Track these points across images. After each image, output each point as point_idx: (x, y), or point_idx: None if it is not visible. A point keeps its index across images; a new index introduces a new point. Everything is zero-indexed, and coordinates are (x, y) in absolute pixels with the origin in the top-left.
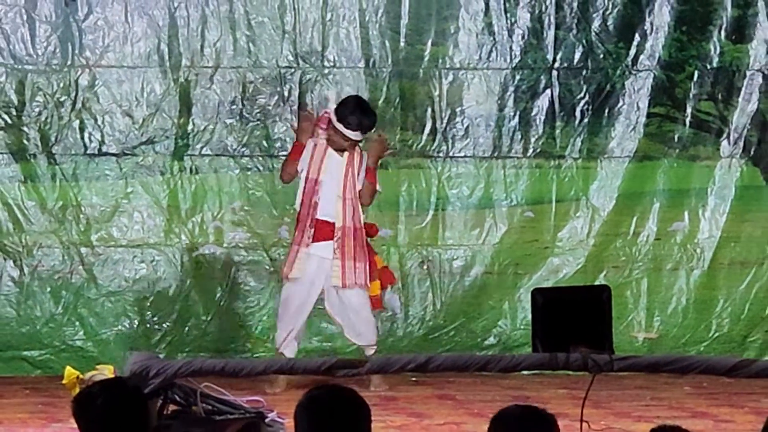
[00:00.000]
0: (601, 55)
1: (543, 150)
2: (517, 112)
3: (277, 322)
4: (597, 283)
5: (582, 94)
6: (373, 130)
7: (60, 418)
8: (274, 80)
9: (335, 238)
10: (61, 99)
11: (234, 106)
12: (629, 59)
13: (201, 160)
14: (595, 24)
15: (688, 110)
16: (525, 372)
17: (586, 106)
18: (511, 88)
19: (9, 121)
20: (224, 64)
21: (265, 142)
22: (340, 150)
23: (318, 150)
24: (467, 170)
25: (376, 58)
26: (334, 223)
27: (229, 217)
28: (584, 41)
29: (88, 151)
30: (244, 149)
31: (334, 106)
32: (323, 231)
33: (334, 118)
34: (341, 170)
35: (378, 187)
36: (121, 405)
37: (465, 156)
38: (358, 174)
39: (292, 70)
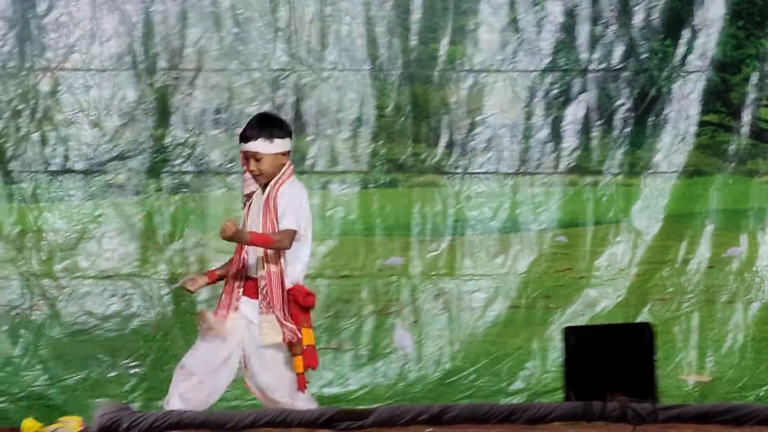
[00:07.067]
0: (645, 55)
1: (577, 165)
2: (548, 121)
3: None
4: (640, 318)
5: (622, 100)
6: (267, 141)
7: None
8: (265, 85)
9: (260, 288)
10: (19, 107)
11: (219, 115)
12: (677, 59)
13: (181, 178)
14: (638, 18)
15: (746, 118)
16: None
17: (627, 114)
18: (540, 93)
19: None
20: (207, 66)
21: None
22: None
23: (250, 197)
24: (489, 188)
25: (384, 59)
26: (257, 279)
27: (214, 243)
28: (625, 38)
29: (50, 168)
30: (231, 165)
31: None
32: (250, 289)
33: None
34: (261, 208)
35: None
36: None
37: (487, 172)
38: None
39: (287, 73)
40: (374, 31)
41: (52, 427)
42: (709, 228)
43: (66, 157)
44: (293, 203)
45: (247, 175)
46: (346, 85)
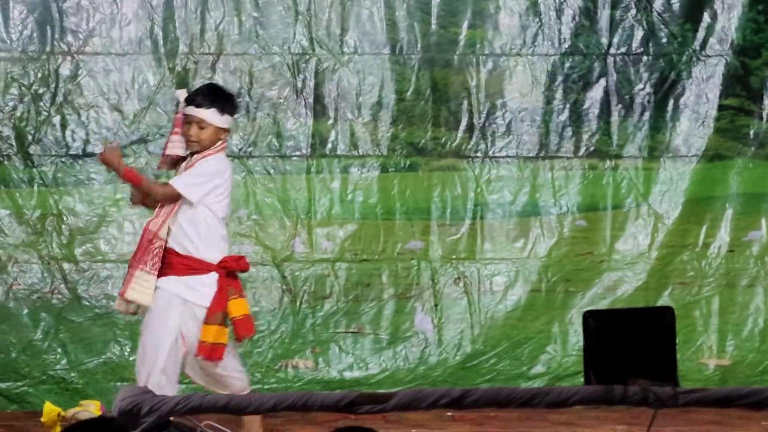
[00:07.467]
0: (664, 39)
1: (597, 149)
2: (567, 105)
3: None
4: (660, 301)
5: (642, 84)
6: (219, 114)
7: None
8: (285, 69)
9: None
10: (40, 91)
11: (239, 99)
12: (697, 43)
13: None
14: (658, 2)
15: (766, 101)
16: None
17: (646, 98)
18: (560, 78)
19: None
20: (228, 50)
21: (275, 141)
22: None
23: (177, 163)
24: (509, 172)
25: (404, 43)
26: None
27: (234, 227)
28: (644, 23)
29: (70, 152)
30: (251, 149)
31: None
32: (176, 267)
33: (181, 107)
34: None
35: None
36: None
37: (507, 156)
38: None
39: (307, 57)
40: (394, 15)
41: (73, 410)
42: (729, 212)
43: (86, 141)
44: (198, 170)
45: (177, 137)
46: (366, 69)
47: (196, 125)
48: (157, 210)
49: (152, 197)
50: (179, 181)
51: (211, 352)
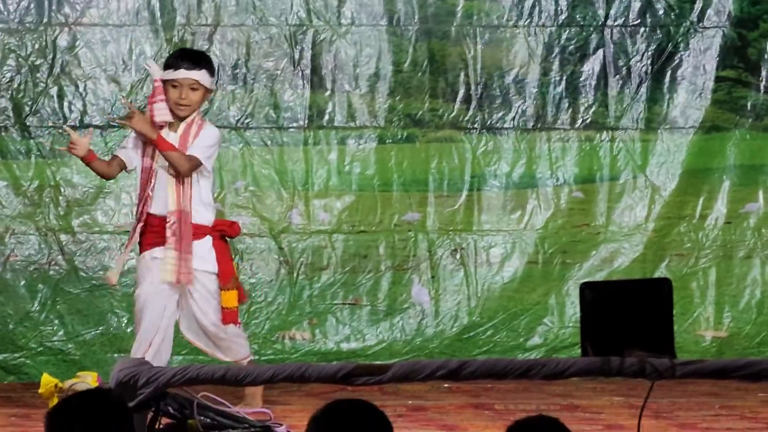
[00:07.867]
0: (662, 10)
1: (594, 120)
2: (564, 77)
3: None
4: (658, 273)
5: (639, 56)
6: (209, 75)
7: None
8: (283, 40)
9: (169, 225)
10: (37, 62)
11: (237, 71)
12: (694, 15)
13: None
14: None
15: (763, 73)
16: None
17: (643, 70)
18: (557, 49)
19: None
20: (225, 21)
21: (272, 112)
22: (178, 119)
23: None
24: (507, 144)
25: (401, 15)
26: (165, 216)
27: (231, 199)
28: None
29: (68, 123)
30: (248, 120)
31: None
32: (154, 228)
33: (162, 75)
34: (176, 143)
35: (176, 154)
36: (101, 421)
37: (504, 127)
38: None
39: (304, 28)
40: None
41: (70, 381)
42: (727, 183)
43: (83, 112)
44: (207, 141)
45: (163, 104)
46: (364, 41)
47: (187, 88)
48: (176, 192)
49: (177, 167)
50: (200, 153)
51: (235, 317)
